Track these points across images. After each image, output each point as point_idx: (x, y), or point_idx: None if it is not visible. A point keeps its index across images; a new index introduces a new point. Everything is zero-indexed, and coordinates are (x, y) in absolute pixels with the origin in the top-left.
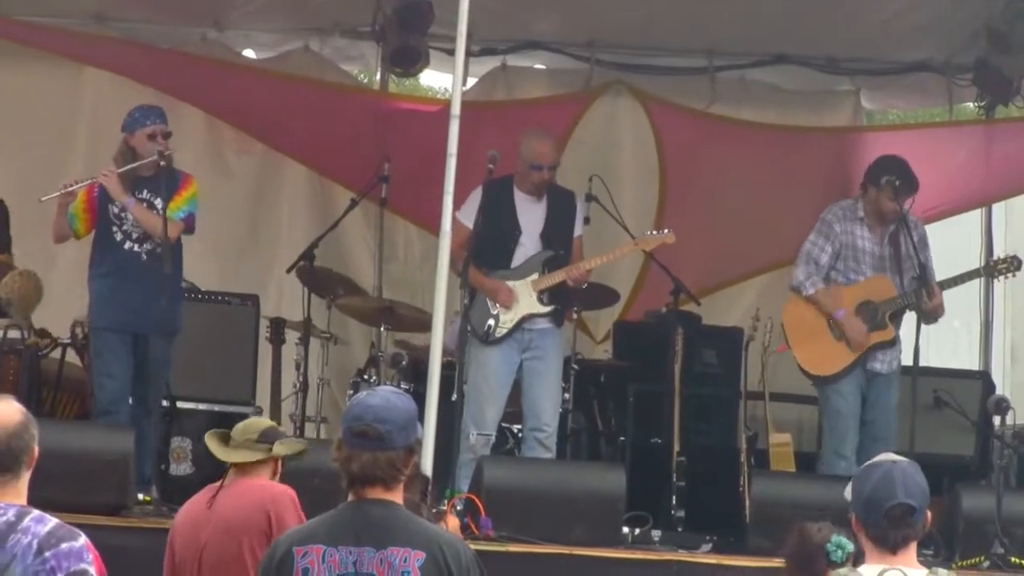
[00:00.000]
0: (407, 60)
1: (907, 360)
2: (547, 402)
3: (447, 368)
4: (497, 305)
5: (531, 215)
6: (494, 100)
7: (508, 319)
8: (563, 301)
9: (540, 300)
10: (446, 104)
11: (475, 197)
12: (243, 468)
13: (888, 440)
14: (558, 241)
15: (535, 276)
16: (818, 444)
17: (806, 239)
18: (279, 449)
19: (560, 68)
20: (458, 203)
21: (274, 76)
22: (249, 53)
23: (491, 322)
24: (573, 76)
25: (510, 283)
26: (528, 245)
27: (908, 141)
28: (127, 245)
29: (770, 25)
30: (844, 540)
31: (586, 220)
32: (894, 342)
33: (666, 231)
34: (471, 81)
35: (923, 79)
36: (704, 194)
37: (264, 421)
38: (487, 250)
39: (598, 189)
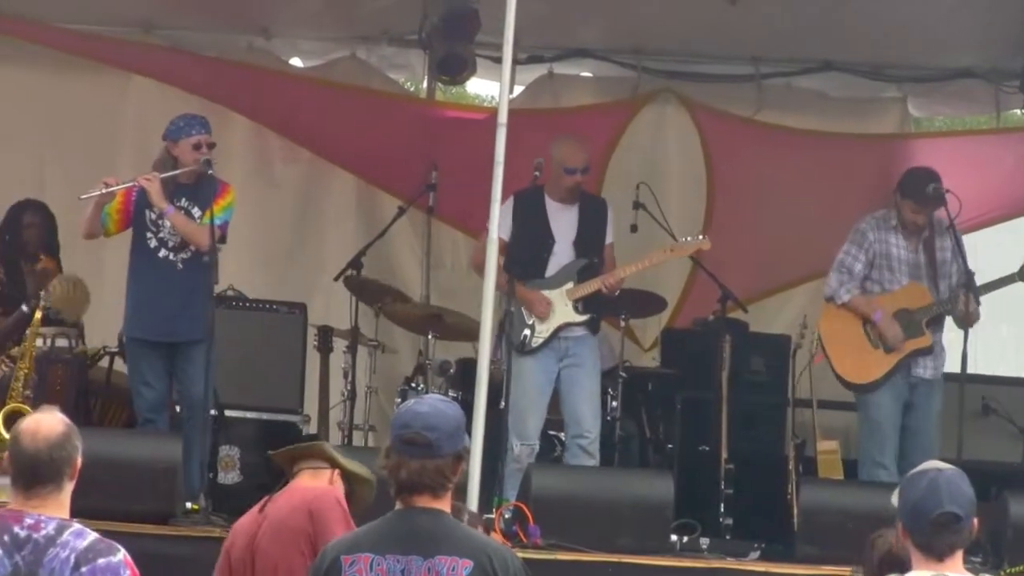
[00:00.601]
0: (454, 68)
1: (955, 367)
2: (587, 409)
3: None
4: (532, 315)
5: (564, 223)
6: (541, 108)
7: (544, 328)
8: (598, 309)
9: (576, 309)
10: (493, 112)
11: (507, 207)
12: (296, 474)
13: (930, 447)
14: (591, 249)
15: (570, 285)
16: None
17: (840, 249)
18: (343, 462)
19: (607, 76)
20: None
21: (321, 84)
22: (296, 61)
23: (527, 332)
24: (620, 84)
25: (545, 292)
26: (561, 254)
27: (954, 148)
28: (162, 253)
29: (816, 32)
30: None
31: (633, 228)
32: (932, 348)
33: (701, 236)
34: (518, 89)
35: (970, 86)
36: (751, 201)
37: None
38: (521, 260)
39: (645, 196)
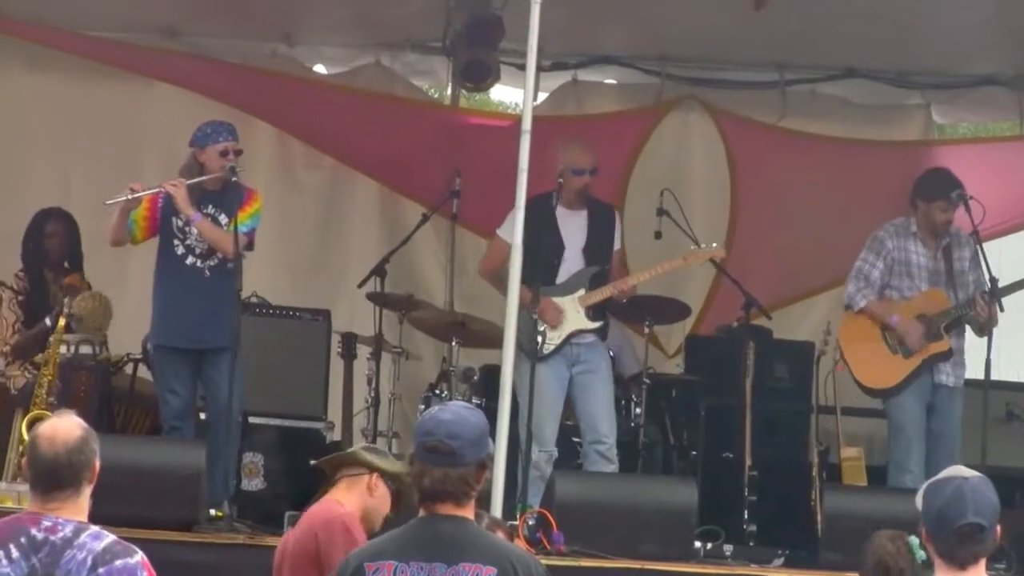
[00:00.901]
0: (478, 75)
1: (978, 373)
2: (603, 413)
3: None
4: (544, 322)
5: (573, 230)
6: (565, 115)
7: (556, 335)
8: (621, 314)
9: (588, 316)
10: (517, 119)
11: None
12: (335, 482)
13: (954, 452)
14: (600, 255)
15: (582, 292)
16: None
17: (858, 257)
18: (381, 464)
19: (631, 83)
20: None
21: (345, 91)
22: (320, 68)
23: (539, 339)
24: (644, 90)
25: (556, 299)
26: (571, 260)
27: (978, 155)
28: (189, 260)
29: (840, 39)
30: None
31: (657, 234)
32: (951, 353)
33: (715, 244)
34: (542, 96)
35: (993, 92)
36: (775, 208)
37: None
38: (531, 266)
39: (669, 203)
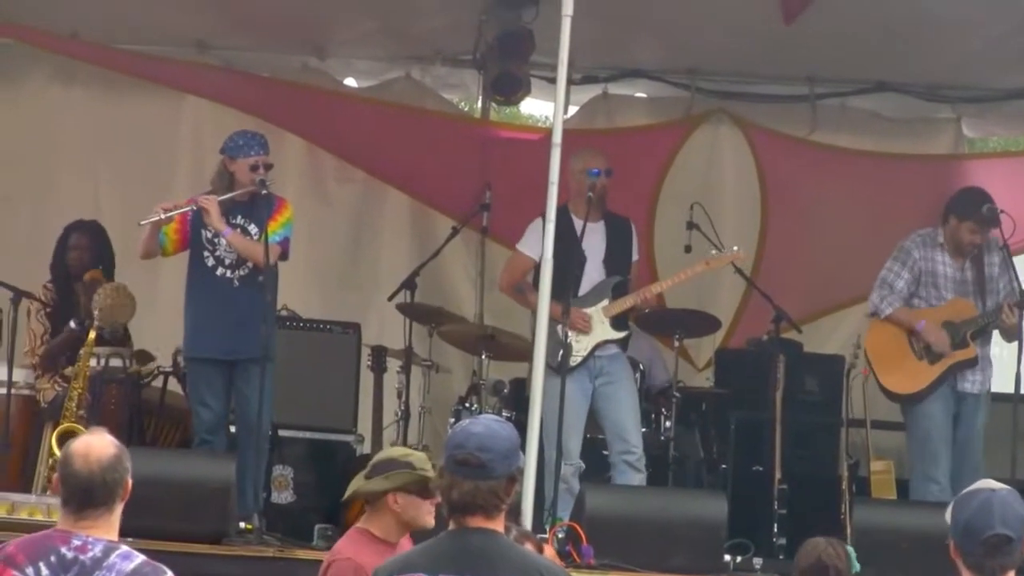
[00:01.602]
0: (508, 88)
1: (1008, 387)
2: (630, 423)
3: None
4: (570, 334)
5: (593, 242)
6: (595, 128)
7: (582, 347)
8: (650, 327)
9: (612, 326)
10: (547, 132)
11: (535, 227)
12: (364, 510)
13: (977, 462)
14: (620, 267)
15: (605, 302)
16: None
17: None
18: (359, 485)
19: (661, 96)
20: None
21: (375, 104)
22: (350, 81)
23: (566, 352)
24: (674, 104)
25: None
26: (592, 272)
27: (1008, 168)
28: (219, 271)
29: (871, 53)
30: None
31: (687, 248)
32: (976, 361)
33: (735, 248)
34: (572, 109)
35: None
36: (805, 221)
37: (391, 451)
38: (555, 279)
39: (699, 217)
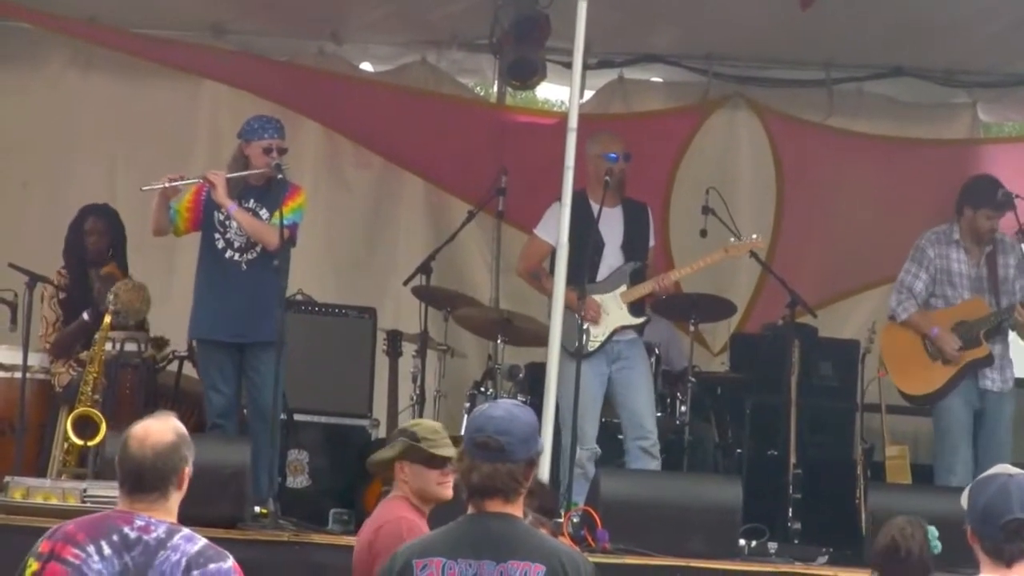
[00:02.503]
0: (524, 73)
1: (1020, 372)
2: (646, 409)
3: None
4: (586, 320)
5: (611, 227)
6: (611, 113)
7: (600, 332)
8: (666, 312)
9: (630, 311)
10: (563, 117)
11: (553, 212)
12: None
13: (1001, 455)
14: (638, 252)
15: (623, 288)
16: (934, 458)
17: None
18: (378, 458)
19: (677, 81)
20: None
21: (391, 89)
22: (366, 66)
23: (584, 337)
24: (690, 89)
25: (599, 296)
26: (611, 257)
27: None
28: (228, 254)
29: (887, 37)
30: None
31: (703, 232)
32: (991, 359)
33: (755, 236)
34: (588, 94)
35: None
36: (821, 206)
37: (408, 422)
38: (572, 264)
39: (715, 201)
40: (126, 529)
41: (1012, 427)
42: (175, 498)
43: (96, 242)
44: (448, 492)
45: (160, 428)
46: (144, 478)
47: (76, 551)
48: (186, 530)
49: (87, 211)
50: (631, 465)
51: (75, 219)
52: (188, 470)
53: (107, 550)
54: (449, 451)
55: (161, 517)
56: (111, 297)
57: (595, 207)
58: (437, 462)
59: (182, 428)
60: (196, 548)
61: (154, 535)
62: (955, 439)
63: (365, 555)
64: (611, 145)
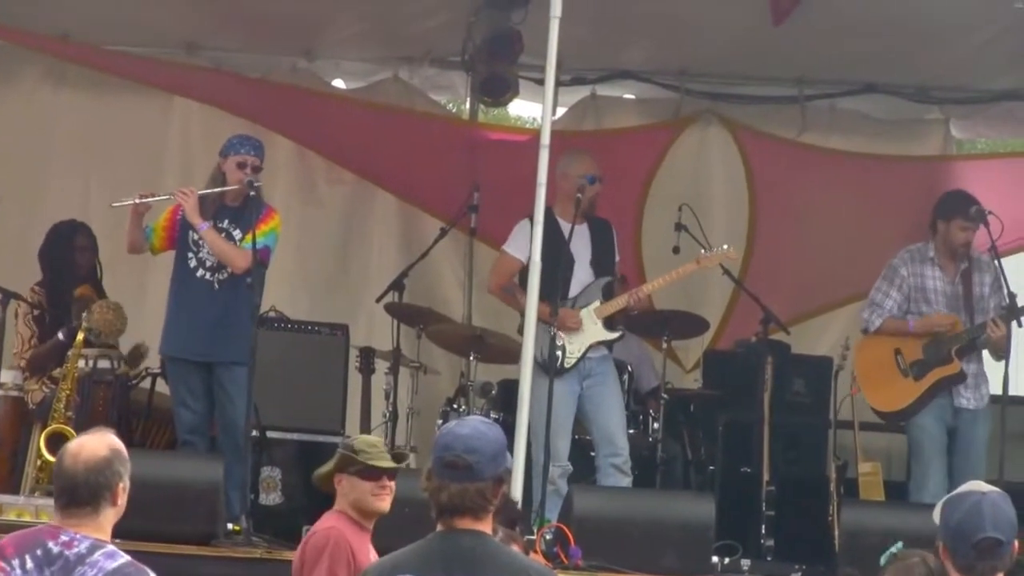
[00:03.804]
0: (497, 89)
1: (996, 389)
2: (617, 427)
3: None
4: (562, 336)
5: (579, 244)
6: (583, 130)
7: (575, 349)
8: (639, 329)
9: (605, 327)
10: (535, 133)
11: (522, 229)
12: None
13: (977, 475)
14: (606, 268)
15: (597, 303)
16: (907, 475)
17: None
18: (321, 472)
19: (650, 97)
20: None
21: (364, 106)
22: (339, 83)
23: (558, 353)
24: (663, 105)
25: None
26: (581, 273)
27: (997, 170)
28: (199, 273)
29: (859, 54)
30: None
31: (675, 249)
32: (963, 376)
33: (726, 246)
34: (560, 111)
35: (1012, 108)
36: (794, 223)
37: (350, 437)
38: (544, 281)
39: (687, 218)
40: (50, 543)
41: (986, 444)
42: (109, 514)
43: (90, 258)
44: (385, 505)
45: (94, 444)
46: (76, 492)
47: (3, 564)
48: (109, 546)
49: (75, 228)
50: (603, 482)
51: (59, 235)
52: (123, 485)
53: (29, 564)
54: (385, 463)
55: (89, 532)
56: (85, 315)
57: (564, 224)
58: (373, 474)
59: (118, 444)
60: (115, 565)
61: (75, 550)
62: (928, 456)
63: (298, 566)
64: (592, 167)
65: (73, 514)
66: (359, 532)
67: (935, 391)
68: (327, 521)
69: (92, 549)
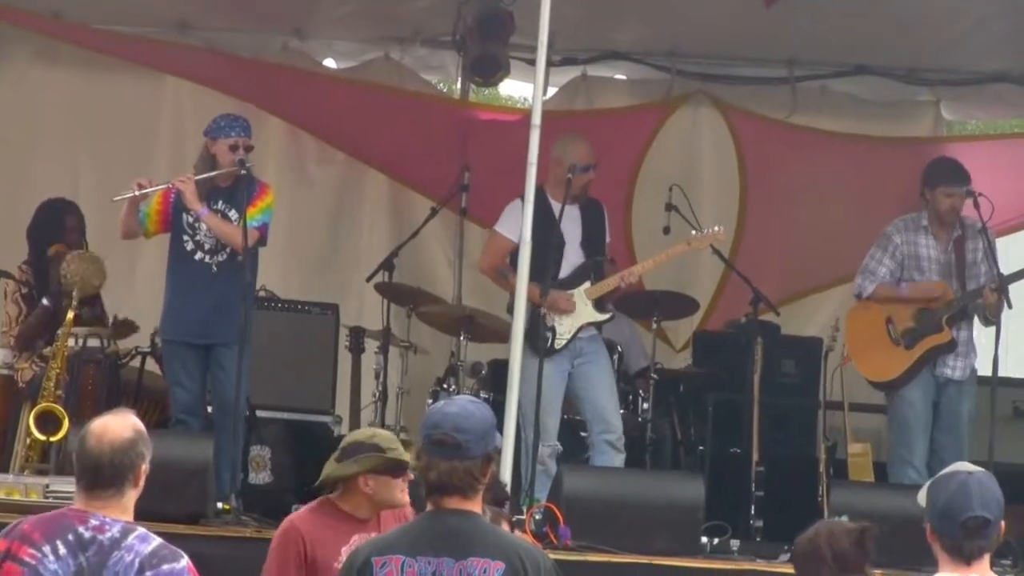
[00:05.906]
0: (488, 69)
1: (986, 370)
2: (609, 403)
3: None
4: (554, 317)
5: (570, 225)
6: (574, 110)
7: (566, 330)
8: (630, 310)
9: (596, 307)
10: (526, 114)
11: (513, 209)
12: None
13: (959, 448)
14: (597, 249)
15: (587, 284)
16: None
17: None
18: (331, 470)
19: (641, 78)
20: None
21: (354, 85)
22: (330, 62)
23: (548, 334)
24: (654, 86)
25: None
26: (572, 254)
27: (988, 151)
28: (198, 256)
29: (850, 35)
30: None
31: (666, 230)
32: (954, 345)
33: (717, 228)
34: (551, 91)
35: (1003, 90)
36: (784, 204)
37: (357, 434)
38: (535, 262)
39: (678, 199)
40: (81, 529)
41: (971, 422)
42: (131, 496)
43: (78, 237)
44: (405, 498)
45: (118, 424)
46: (101, 474)
47: (32, 551)
48: (141, 529)
49: (65, 207)
50: (597, 460)
51: (48, 213)
52: (145, 467)
53: (62, 550)
54: (408, 455)
55: (116, 515)
56: (66, 280)
57: (555, 205)
58: (401, 469)
59: (140, 425)
60: (150, 548)
61: (108, 535)
62: (913, 432)
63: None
64: (587, 155)
65: (98, 496)
66: (341, 523)
67: (925, 360)
68: (309, 514)
69: (125, 533)
